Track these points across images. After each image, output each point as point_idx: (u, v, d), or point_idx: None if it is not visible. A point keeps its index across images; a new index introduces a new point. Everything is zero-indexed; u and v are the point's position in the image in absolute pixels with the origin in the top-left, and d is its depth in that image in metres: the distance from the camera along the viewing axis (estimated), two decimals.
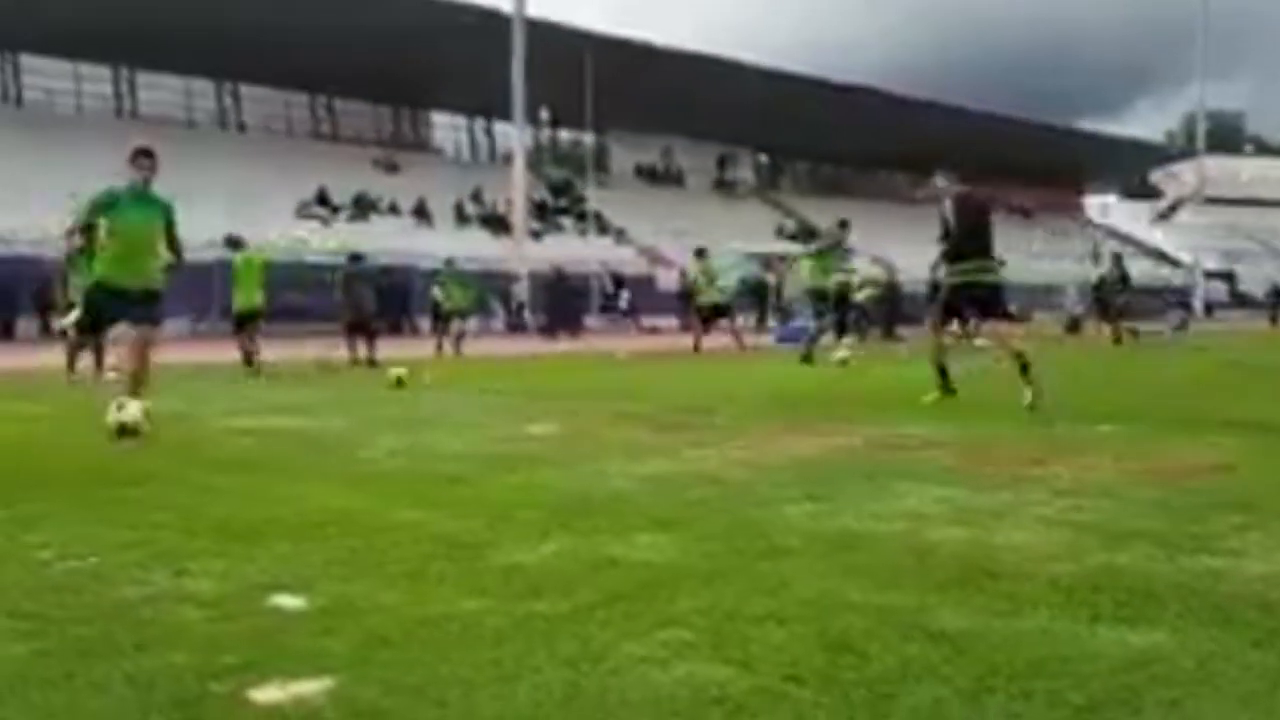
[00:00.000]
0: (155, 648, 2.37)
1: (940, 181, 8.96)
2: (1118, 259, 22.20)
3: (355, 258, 16.30)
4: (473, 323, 23.33)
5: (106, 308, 6.84)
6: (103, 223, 6.87)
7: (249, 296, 13.69)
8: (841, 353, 13.76)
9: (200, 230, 15.67)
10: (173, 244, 7.11)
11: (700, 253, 19.63)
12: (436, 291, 19.94)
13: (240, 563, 3.13)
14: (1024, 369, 7.46)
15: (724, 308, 18.76)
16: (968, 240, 8.33)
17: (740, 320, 21.67)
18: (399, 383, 10.24)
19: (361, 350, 14.98)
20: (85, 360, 12.00)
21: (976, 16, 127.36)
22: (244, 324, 13.52)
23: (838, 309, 14.64)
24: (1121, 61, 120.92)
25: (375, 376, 12.54)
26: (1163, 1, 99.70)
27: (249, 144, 39.29)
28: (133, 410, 6.19)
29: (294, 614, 2.64)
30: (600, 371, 13.48)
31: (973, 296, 8.20)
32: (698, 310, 18.97)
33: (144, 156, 7.10)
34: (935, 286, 8.62)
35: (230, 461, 5.33)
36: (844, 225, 15.35)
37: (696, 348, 17.39)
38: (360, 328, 15.34)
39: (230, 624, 2.55)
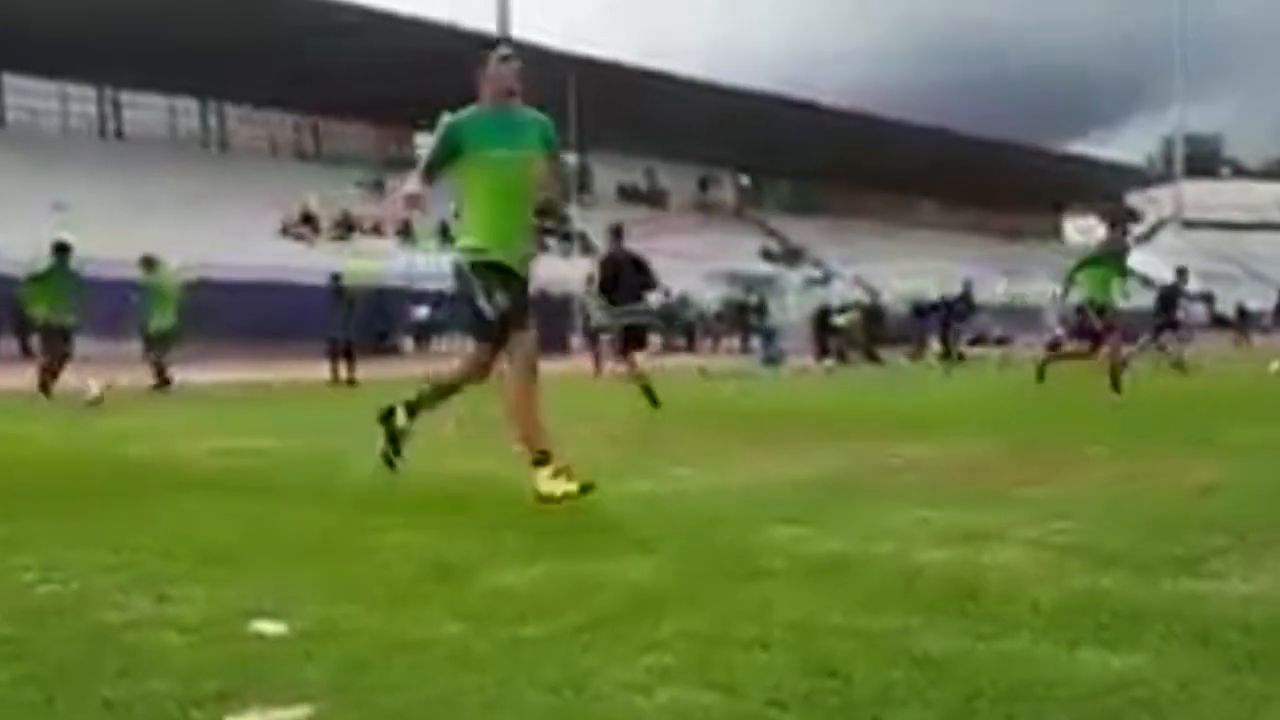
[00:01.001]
0: (136, 673, 2.34)
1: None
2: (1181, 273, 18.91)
3: (336, 278, 16.30)
4: (459, 343, 23.17)
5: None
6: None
7: (164, 317, 13.63)
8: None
9: (184, 250, 15.70)
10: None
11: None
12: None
13: (222, 587, 3.11)
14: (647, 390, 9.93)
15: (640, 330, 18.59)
16: (615, 283, 10.74)
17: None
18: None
19: (342, 371, 14.96)
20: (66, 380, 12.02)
21: (961, 38, 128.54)
22: (155, 344, 13.49)
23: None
24: (1103, 84, 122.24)
25: (356, 396, 12.52)
26: (1143, 26, 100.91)
27: (233, 163, 39.24)
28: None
29: (275, 639, 2.62)
30: (582, 391, 13.46)
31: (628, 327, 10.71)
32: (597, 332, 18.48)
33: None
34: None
35: (213, 484, 5.30)
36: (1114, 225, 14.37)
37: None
38: (341, 347, 15.33)
39: (211, 649, 2.53)
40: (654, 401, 10.03)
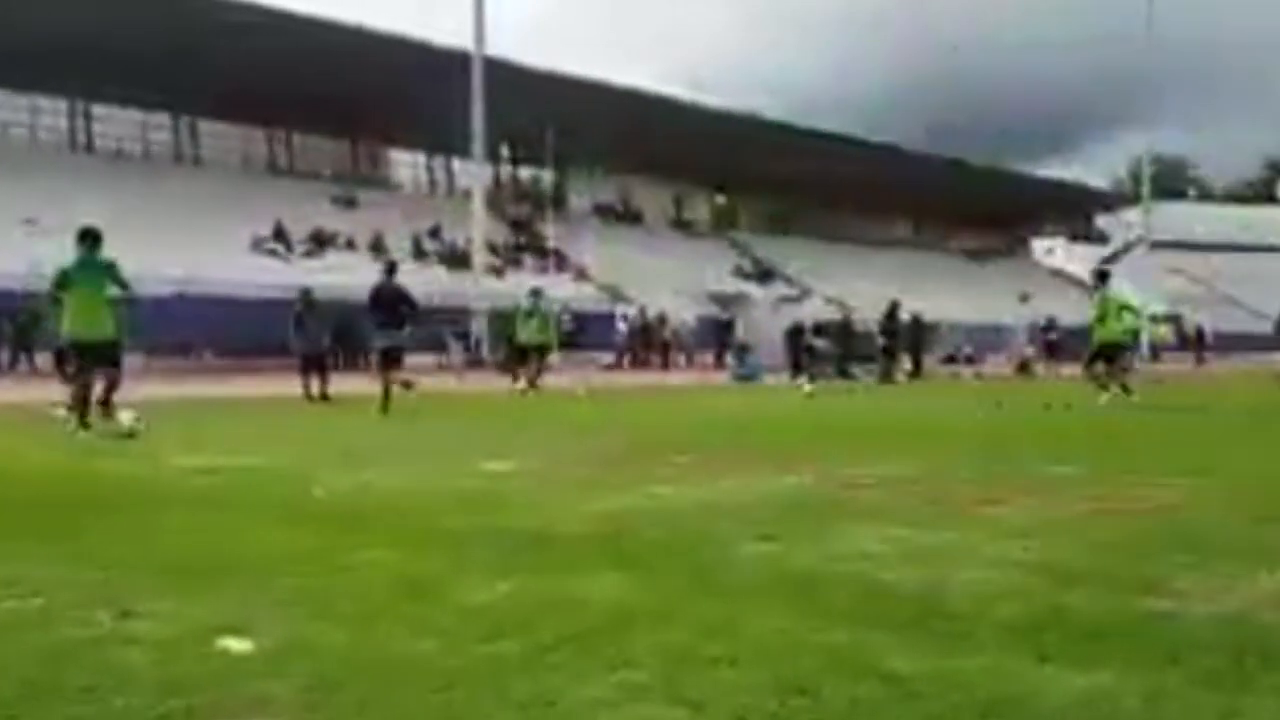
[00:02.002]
0: (100, 691, 2.32)
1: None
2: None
3: (307, 292, 16.22)
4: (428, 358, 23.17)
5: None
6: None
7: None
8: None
9: (155, 264, 15.56)
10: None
11: (535, 293, 19.60)
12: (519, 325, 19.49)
13: (188, 604, 3.08)
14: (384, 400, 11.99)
15: (545, 346, 18.76)
16: (381, 312, 12.90)
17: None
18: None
19: (315, 386, 14.88)
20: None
21: (933, 62, 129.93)
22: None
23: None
24: (1072, 108, 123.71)
25: (328, 411, 12.44)
26: (1111, 51, 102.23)
27: (205, 178, 38.99)
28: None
29: (242, 656, 2.60)
30: (559, 408, 13.45)
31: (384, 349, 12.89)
32: (516, 348, 19.22)
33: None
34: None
35: (180, 499, 5.25)
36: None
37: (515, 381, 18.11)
38: (314, 363, 15.26)
39: (177, 667, 2.50)
40: (384, 409, 12.03)
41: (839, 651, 2.59)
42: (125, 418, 8.81)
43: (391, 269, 13.40)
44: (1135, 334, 19.95)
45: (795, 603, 3.08)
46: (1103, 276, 15.10)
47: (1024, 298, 40.14)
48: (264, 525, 4.49)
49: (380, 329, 12.98)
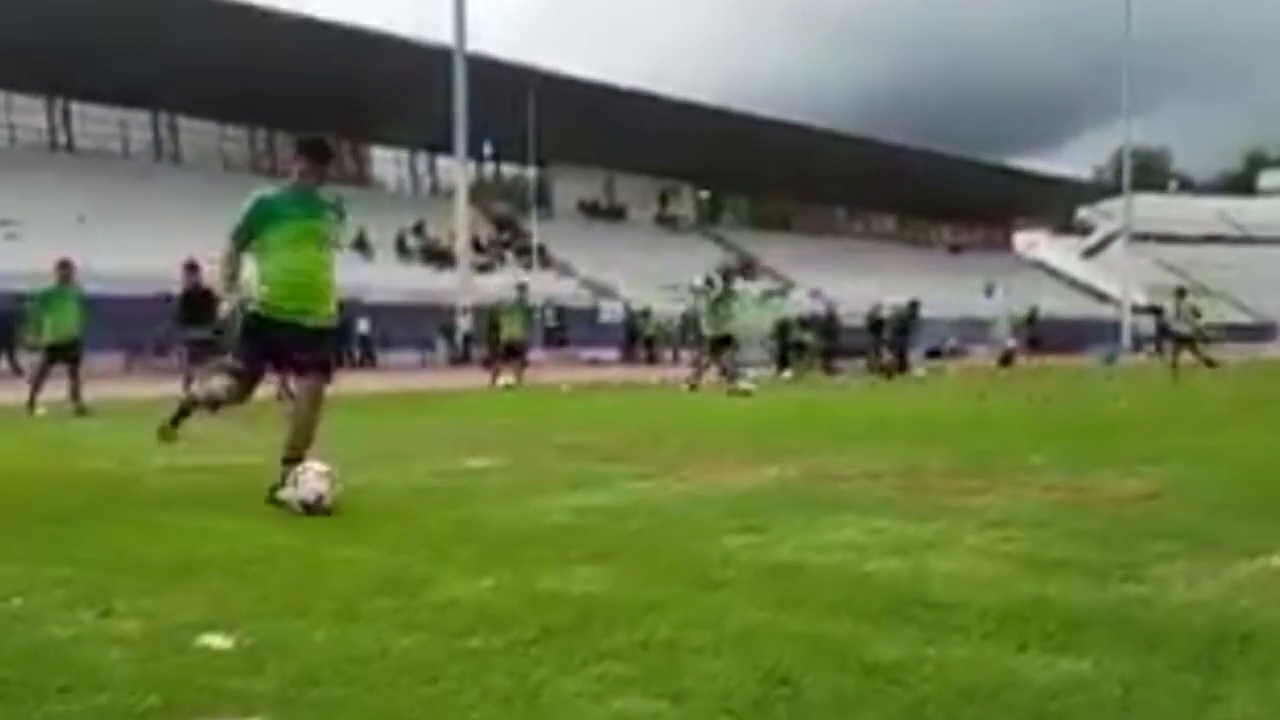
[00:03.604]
0: (79, 690, 2.31)
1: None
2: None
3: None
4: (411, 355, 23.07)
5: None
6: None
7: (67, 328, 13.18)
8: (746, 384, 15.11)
9: (137, 264, 15.46)
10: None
11: (521, 287, 19.99)
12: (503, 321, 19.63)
13: (168, 602, 3.07)
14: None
15: (520, 345, 18.87)
16: (189, 309, 13.31)
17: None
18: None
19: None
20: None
21: (913, 56, 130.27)
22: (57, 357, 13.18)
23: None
24: (1053, 100, 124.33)
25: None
26: (1091, 43, 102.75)
27: (186, 177, 38.78)
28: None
29: (222, 653, 2.59)
30: (542, 404, 13.44)
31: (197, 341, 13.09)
32: (504, 345, 19.27)
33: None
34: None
35: (162, 499, 5.22)
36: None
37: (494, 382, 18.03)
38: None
39: (156, 664, 2.49)
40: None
41: (821, 641, 2.59)
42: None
43: (192, 267, 13.82)
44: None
45: (777, 594, 3.08)
46: (726, 277, 16.61)
47: (989, 290, 40.30)
48: (243, 523, 4.47)
49: (188, 325, 13.55)
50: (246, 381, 5.34)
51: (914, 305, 24.85)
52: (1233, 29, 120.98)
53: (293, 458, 4.94)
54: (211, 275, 5.73)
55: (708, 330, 17.00)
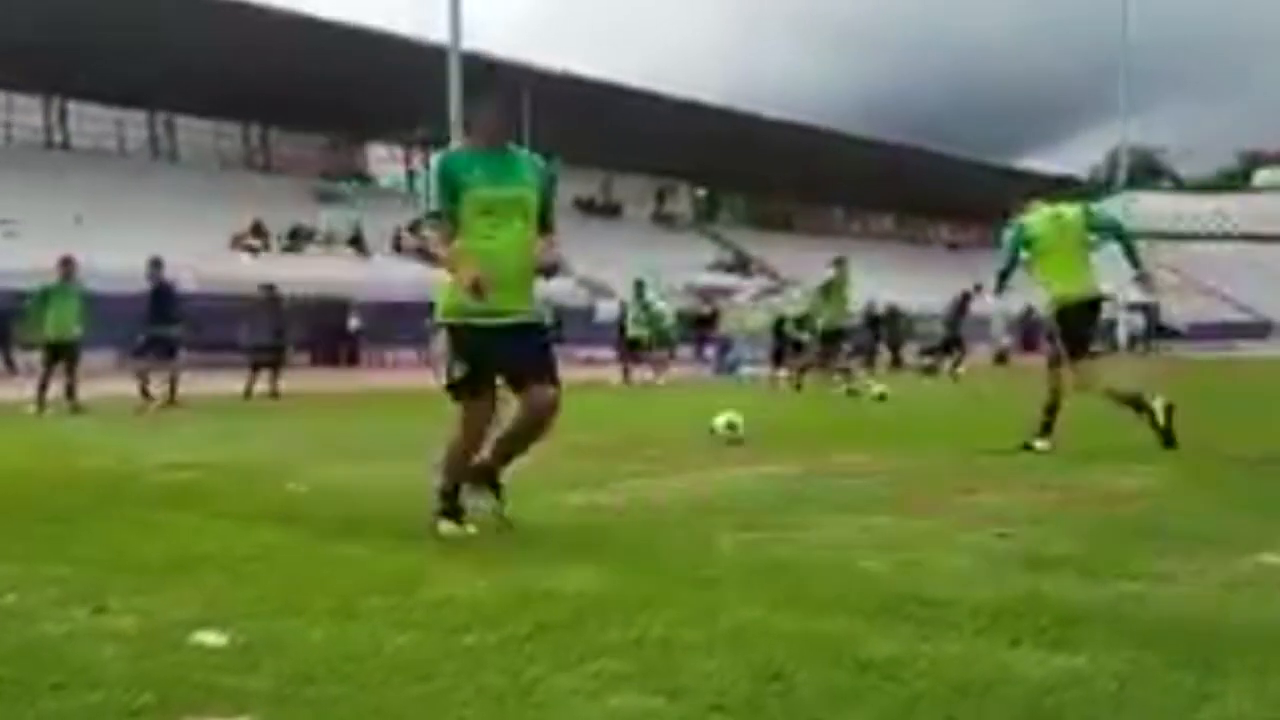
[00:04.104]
0: (72, 687, 2.30)
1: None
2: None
3: (267, 288, 16.11)
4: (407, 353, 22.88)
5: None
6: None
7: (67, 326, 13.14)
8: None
9: (134, 262, 15.42)
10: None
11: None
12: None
13: (163, 599, 3.07)
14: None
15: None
16: (155, 305, 13.74)
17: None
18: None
19: (263, 383, 14.69)
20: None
21: (911, 57, 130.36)
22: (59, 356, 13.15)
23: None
24: (1050, 100, 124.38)
25: (279, 409, 12.39)
26: (1089, 42, 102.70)
27: (182, 175, 38.72)
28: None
29: (216, 651, 2.59)
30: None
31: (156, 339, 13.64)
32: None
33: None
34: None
35: (158, 497, 5.22)
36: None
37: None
38: (265, 358, 15.11)
39: (150, 662, 2.49)
40: (147, 395, 13.09)
41: (814, 638, 2.59)
42: None
43: (157, 264, 13.95)
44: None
45: (771, 591, 3.09)
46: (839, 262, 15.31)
47: (976, 288, 40.09)
48: (238, 521, 4.47)
49: (153, 322, 13.78)
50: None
51: (967, 297, 24.67)
52: (1230, 29, 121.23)
53: (483, 476, 4.17)
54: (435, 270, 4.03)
55: (820, 322, 15.17)
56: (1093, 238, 7.36)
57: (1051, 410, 6.86)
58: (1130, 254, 7.37)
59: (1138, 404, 6.75)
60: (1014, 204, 7.85)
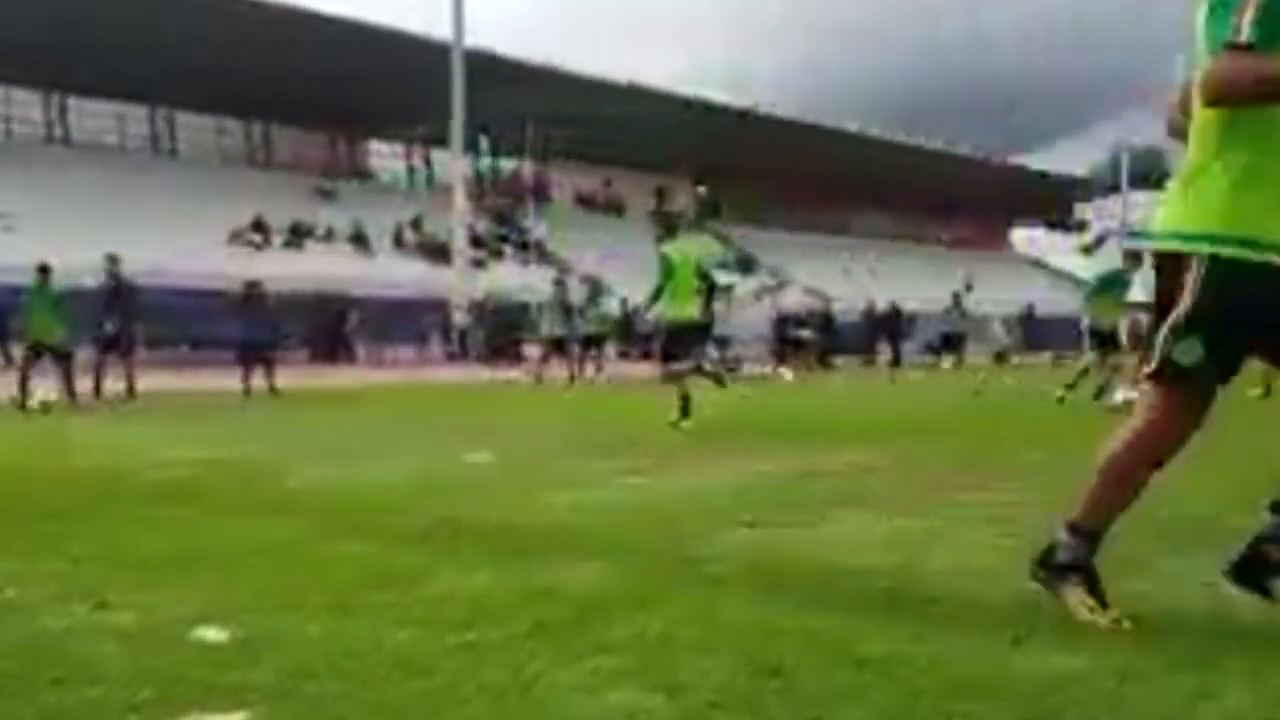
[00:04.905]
0: (72, 682, 2.30)
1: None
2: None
3: (253, 285, 16.10)
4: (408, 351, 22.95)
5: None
6: None
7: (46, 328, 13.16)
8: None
9: (133, 258, 15.42)
10: None
11: (559, 283, 20.17)
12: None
13: (163, 595, 3.07)
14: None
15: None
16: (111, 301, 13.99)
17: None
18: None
19: (257, 379, 14.65)
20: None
21: (915, 56, 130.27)
22: (41, 354, 13.19)
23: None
24: (1051, 99, 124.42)
25: (280, 405, 12.38)
26: (1089, 43, 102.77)
27: (183, 170, 38.70)
28: None
29: (216, 646, 2.59)
30: (538, 400, 13.45)
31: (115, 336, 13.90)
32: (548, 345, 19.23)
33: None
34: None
35: (158, 494, 5.22)
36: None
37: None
38: (254, 355, 15.08)
39: (150, 657, 2.49)
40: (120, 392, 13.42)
41: (813, 636, 2.59)
42: None
43: (114, 260, 14.28)
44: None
45: (772, 588, 3.09)
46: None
47: (969, 286, 40.14)
48: (238, 517, 4.47)
49: (110, 320, 14.00)
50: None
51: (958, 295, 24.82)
52: None
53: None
54: None
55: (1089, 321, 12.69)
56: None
57: None
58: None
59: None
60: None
